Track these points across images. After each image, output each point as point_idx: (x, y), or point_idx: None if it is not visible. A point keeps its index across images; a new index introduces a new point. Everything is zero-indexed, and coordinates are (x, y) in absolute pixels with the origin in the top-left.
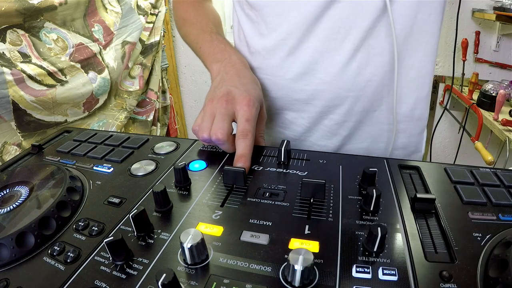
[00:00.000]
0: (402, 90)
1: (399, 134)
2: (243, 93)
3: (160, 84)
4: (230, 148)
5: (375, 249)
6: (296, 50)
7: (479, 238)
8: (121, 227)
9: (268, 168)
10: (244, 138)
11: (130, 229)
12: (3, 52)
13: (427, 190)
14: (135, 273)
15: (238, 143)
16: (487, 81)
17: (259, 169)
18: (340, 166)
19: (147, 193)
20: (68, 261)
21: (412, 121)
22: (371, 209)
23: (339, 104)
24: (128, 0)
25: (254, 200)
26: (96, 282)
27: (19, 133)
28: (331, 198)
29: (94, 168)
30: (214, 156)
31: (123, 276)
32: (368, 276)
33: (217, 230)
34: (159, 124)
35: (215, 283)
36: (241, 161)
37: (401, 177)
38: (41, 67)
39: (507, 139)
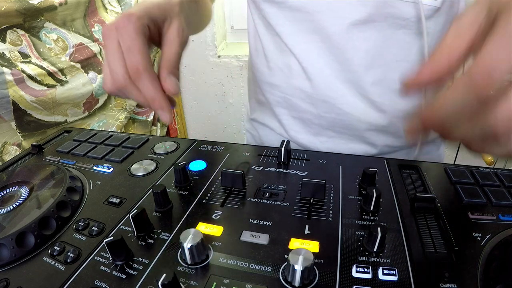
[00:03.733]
0: None
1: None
2: (119, 17)
3: None
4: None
5: (375, 249)
6: (316, 76)
7: (479, 238)
8: (121, 227)
9: (268, 168)
10: (137, 80)
11: (130, 229)
12: (3, 52)
13: (427, 190)
14: (135, 273)
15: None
16: None
17: (259, 169)
18: (340, 166)
19: (147, 193)
20: (68, 261)
21: (428, 143)
22: (371, 209)
23: (360, 136)
24: (128, 0)
25: (254, 200)
26: (96, 282)
27: (19, 133)
28: (331, 198)
29: (94, 168)
30: (214, 156)
31: (123, 276)
32: (368, 276)
33: (217, 230)
34: (159, 124)
35: (215, 283)
36: (158, 111)
37: (401, 177)
38: (41, 67)
39: None
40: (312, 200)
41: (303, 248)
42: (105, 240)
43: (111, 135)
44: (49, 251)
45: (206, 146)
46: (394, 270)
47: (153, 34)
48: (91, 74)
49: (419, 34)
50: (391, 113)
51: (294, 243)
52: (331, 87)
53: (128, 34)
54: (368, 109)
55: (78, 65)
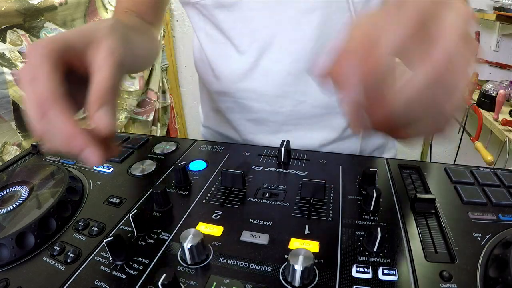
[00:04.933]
0: None
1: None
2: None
3: (160, 84)
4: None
5: (375, 249)
6: (268, 73)
7: (479, 238)
8: (121, 227)
9: (268, 168)
10: (46, 115)
11: (130, 229)
12: (3, 52)
13: (427, 190)
14: (135, 273)
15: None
16: (487, 81)
17: (259, 169)
18: (340, 166)
19: (147, 193)
20: (68, 261)
21: None
22: (371, 209)
23: (318, 122)
24: None
25: (254, 200)
26: (96, 282)
27: (19, 133)
28: (331, 198)
29: (94, 168)
30: (214, 156)
31: (123, 276)
32: (368, 276)
33: (217, 230)
34: (159, 124)
35: (215, 283)
36: (82, 153)
37: (401, 177)
38: None
39: (507, 139)
40: (312, 200)
41: (303, 248)
42: (105, 240)
43: None
44: (49, 251)
45: (206, 146)
46: (394, 270)
47: (76, 65)
48: None
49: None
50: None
51: (294, 243)
52: (284, 81)
53: (34, 61)
54: (322, 94)
55: None
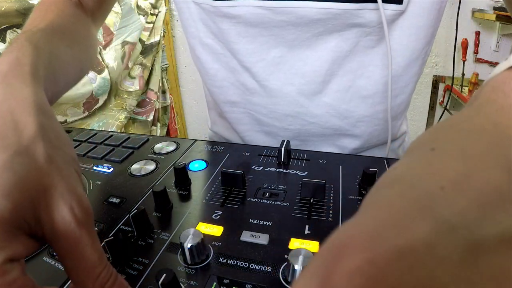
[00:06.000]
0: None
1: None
2: None
3: (160, 84)
4: None
5: None
6: (277, 93)
7: None
8: (121, 227)
9: (268, 168)
10: None
11: (130, 229)
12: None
13: None
14: (135, 273)
15: None
16: None
17: (259, 169)
18: (340, 166)
19: (147, 193)
20: None
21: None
22: None
23: (327, 140)
24: (128, 0)
25: (254, 200)
26: None
27: None
28: (331, 198)
29: (94, 168)
30: (214, 156)
31: (123, 276)
32: None
33: (217, 230)
34: (159, 124)
35: (215, 283)
36: None
37: None
38: None
39: None
40: (312, 200)
41: (303, 248)
42: (105, 240)
43: (111, 135)
44: (49, 251)
45: (206, 146)
46: None
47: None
48: (91, 74)
49: (384, 38)
50: (356, 118)
51: (294, 243)
52: (294, 102)
53: None
54: (333, 117)
55: None
